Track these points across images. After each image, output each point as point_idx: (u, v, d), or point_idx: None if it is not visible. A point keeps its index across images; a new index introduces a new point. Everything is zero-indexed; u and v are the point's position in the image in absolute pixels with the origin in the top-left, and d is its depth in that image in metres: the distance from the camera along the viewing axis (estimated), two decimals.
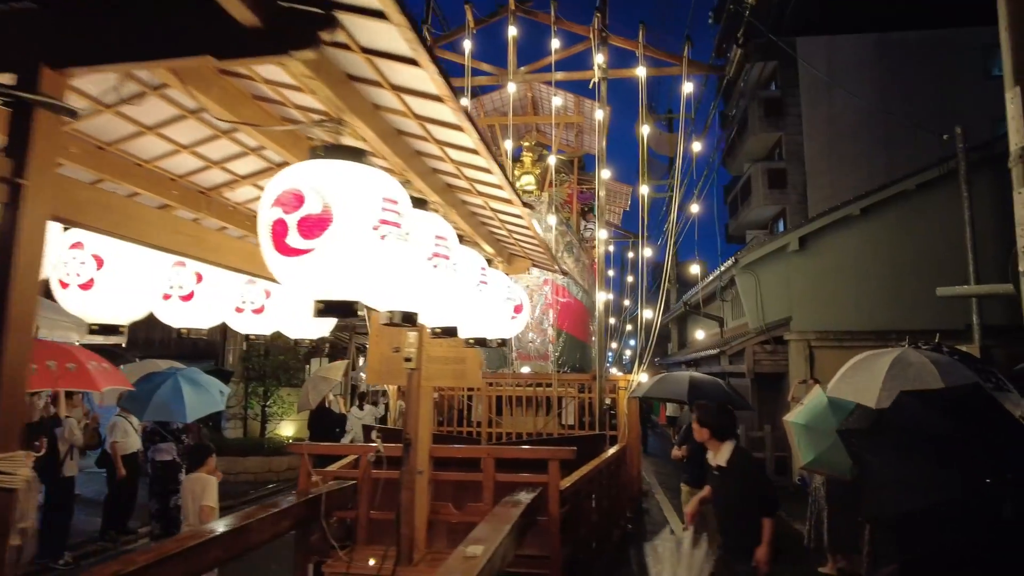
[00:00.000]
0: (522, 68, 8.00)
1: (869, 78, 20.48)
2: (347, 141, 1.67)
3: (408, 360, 3.61)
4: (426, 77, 1.48)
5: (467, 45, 7.59)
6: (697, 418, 3.81)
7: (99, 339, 2.59)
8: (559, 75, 7.93)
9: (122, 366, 7.01)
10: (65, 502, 5.94)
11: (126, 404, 6.09)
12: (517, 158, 10.18)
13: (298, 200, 1.47)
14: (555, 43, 7.55)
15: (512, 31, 7.70)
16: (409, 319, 2.02)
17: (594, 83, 7.56)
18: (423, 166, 2.22)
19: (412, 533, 3.70)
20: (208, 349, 10.97)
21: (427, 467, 4.06)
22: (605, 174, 7.65)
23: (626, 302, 17.84)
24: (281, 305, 3.16)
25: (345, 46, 1.44)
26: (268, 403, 10.59)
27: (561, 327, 10.43)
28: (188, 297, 2.62)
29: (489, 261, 3.01)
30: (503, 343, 3.39)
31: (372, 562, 3.79)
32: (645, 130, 7.37)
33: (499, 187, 2.29)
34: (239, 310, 3.05)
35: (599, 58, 7.39)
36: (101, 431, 6.84)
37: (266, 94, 2.06)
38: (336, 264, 1.48)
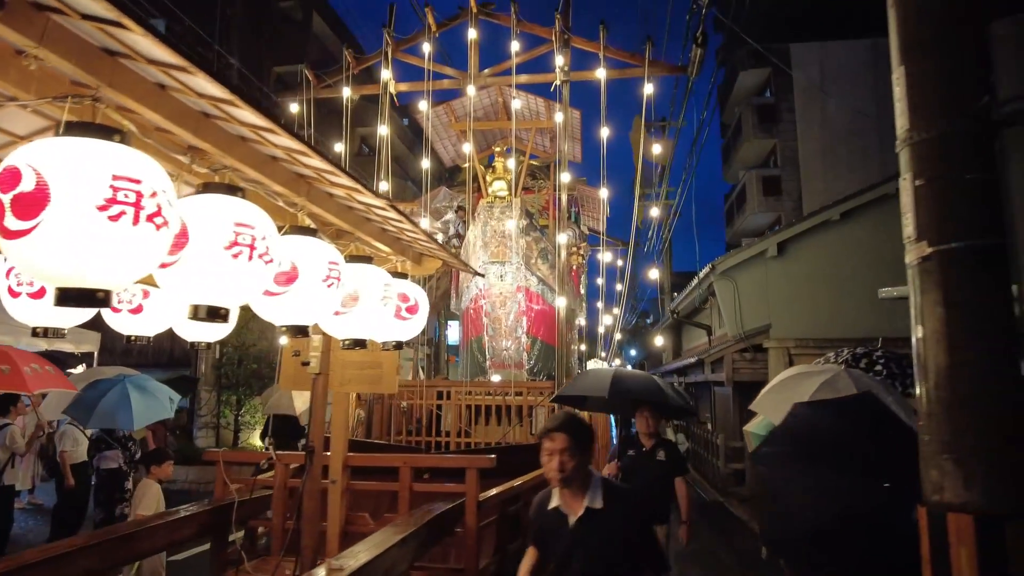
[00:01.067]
0: (485, 71, 7.91)
1: (864, 83, 20.27)
2: (104, 119, 1.55)
3: (306, 364, 3.49)
4: (151, 43, 1.36)
5: (426, 48, 7.52)
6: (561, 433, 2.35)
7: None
8: (523, 78, 7.83)
9: (68, 372, 6.96)
10: (5, 511, 5.84)
11: (71, 411, 6.01)
12: (491, 164, 10.07)
13: (14, 178, 1.35)
14: (516, 46, 7.46)
15: (472, 34, 7.62)
16: (216, 314, 1.89)
17: (556, 86, 7.45)
18: (250, 152, 2.09)
19: (314, 544, 3.56)
20: (183, 357, 10.91)
21: (341, 476, 3.93)
22: (565, 177, 7.54)
23: (615, 310, 17.66)
24: (165, 305, 3.06)
25: (58, 10, 1.33)
26: (241, 412, 10.50)
27: (536, 335, 10.28)
28: (38, 295, 2.51)
29: (369, 259, 2.88)
30: (399, 346, 3.25)
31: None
32: (604, 132, 7.25)
33: (333, 173, 2.17)
34: (115, 310, 2.95)
35: (559, 60, 7.29)
36: None
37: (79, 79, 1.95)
38: (59, 247, 1.37)
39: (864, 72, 20.58)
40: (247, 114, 1.70)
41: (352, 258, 2.75)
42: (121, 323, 2.97)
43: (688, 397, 6.98)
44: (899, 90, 2.30)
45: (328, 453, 3.85)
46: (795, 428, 2.44)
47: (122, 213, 1.41)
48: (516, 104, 7.57)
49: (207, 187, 1.92)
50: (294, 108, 7.84)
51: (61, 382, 6.17)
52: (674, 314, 16.73)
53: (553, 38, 7.45)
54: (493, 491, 4.13)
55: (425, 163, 7.70)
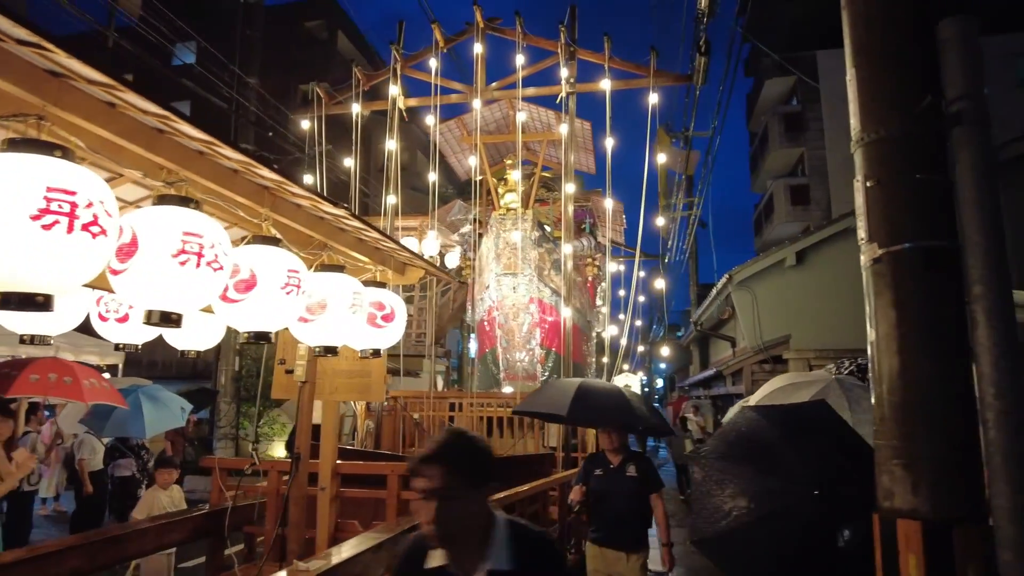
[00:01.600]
0: (492, 84, 8.02)
1: None
2: (46, 136, 1.65)
3: (290, 372, 3.58)
4: (80, 65, 1.45)
5: (433, 64, 7.67)
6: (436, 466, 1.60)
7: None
8: (529, 91, 7.93)
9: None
10: (23, 517, 6.06)
11: (87, 421, 6.23)
12: (503, 177, 10.17)
13: None
14: (522, 59, 7.56)
15: (478, 48, 7.75)
16: (168, 319, 1.98)
17: (561, 98, 7.52)
18: (209, 166, 2.18)
19: (300, 549, 3.63)
20: (206, 370, 11.20)
21: (330, 483, 4.00)
22: (570, 188, 7.55)
23: (638, 322, 17.59)
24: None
25: None
26: (260, 424, 10.73)
27: (550, 346, 10.28)
28: None
29: (339, 266, 2.94)
30: (377, 353, 3.30)
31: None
32: (609, 143, 7.27)
33: (287, 184, 2.25)
34: (103, 319, 3.08)
35: (564, 72, 7.36)
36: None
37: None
38: None
39: None
40: (189, 128, 1.78)
41: (323, 267, 2.83)
42: (109, 331, 3.10)
43: (663, 415, 5.93)
44: (851, 92, 2.29)
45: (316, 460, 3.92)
46: (734, 431, 2.42)
47: (56, 222, 1.49)
48: (521, 116, 7.65)
49: (162, 199, 2.01)
50: (306, 124, 8.05)
51: (115, 397, 6.33)
52: (697, 326, 16.52)
53: (559, 51, 7.52)
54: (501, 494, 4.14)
55: (432, 176, 7.82)
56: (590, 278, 11.71)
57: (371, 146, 16.70)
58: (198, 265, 1.93)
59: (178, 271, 1.90)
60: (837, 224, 10.18)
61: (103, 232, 1.62)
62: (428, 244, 11.69)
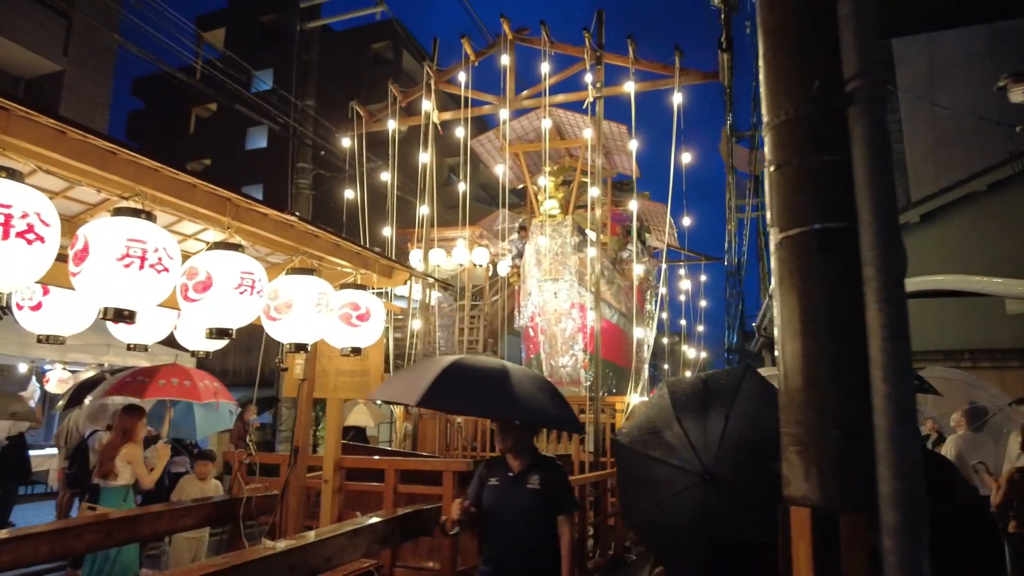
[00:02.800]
0: (523, 93, 8.19)
1: (980, 74, 18.37)
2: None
3: (284, 370, 3.86)
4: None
5: (462, 77, 7.93)
6: None
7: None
8: (559, 97, 8.04)
9: None
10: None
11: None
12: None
13: None
14: (549, 67, 7.69)
15: (506, 60, 7.94)
16: (121, 315, 2.25)
17: (588, 103, 7.59)
18: (166, 181, 2.45)
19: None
20: (271, 376, 11.93)
21: (333, 476, 4.25)
22: (594, 192, 7.57)
23: (699, 327, 17.15)
24: (157, 319, 3.55)
25: None
26: (318, 427, 11.27)
27: (593, 351, 10.25)
28: (36, 307, 3.03)
29: (309, 270, 3.17)
30: (356, 351, 3.50)
31: None
32: (633, 145, 7.24)
33: (234, 196, 2.49)
34: (115, 321, 3.46)
35: (589, 77, 7.43)
36: None
37: None
38: None
39: (981, 62, 18.69)
40: (100, 142, 2.05)
41: (293, 270, 3.07)
42: (120, 333, 3.48)
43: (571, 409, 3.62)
44: (762, 77, 2.30)
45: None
46: (644, 410, 2.41)
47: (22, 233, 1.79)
48: (546, 123, 7.77)
49: (117, 211, 2.30)
50: (347, 142, 8.50)
51: (226, 395, 6.98)
52: (761, 331, 15.93)
53: (585, 56, 7.60)
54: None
55: (462, 186, 8.06)
56: (638, 282, 11.57)
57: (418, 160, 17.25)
58: (142, 267, 2.20)
59: (123, 272, 2.17)
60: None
61: (40, 239, 1.91)
62: (477, 254, 11.96)
